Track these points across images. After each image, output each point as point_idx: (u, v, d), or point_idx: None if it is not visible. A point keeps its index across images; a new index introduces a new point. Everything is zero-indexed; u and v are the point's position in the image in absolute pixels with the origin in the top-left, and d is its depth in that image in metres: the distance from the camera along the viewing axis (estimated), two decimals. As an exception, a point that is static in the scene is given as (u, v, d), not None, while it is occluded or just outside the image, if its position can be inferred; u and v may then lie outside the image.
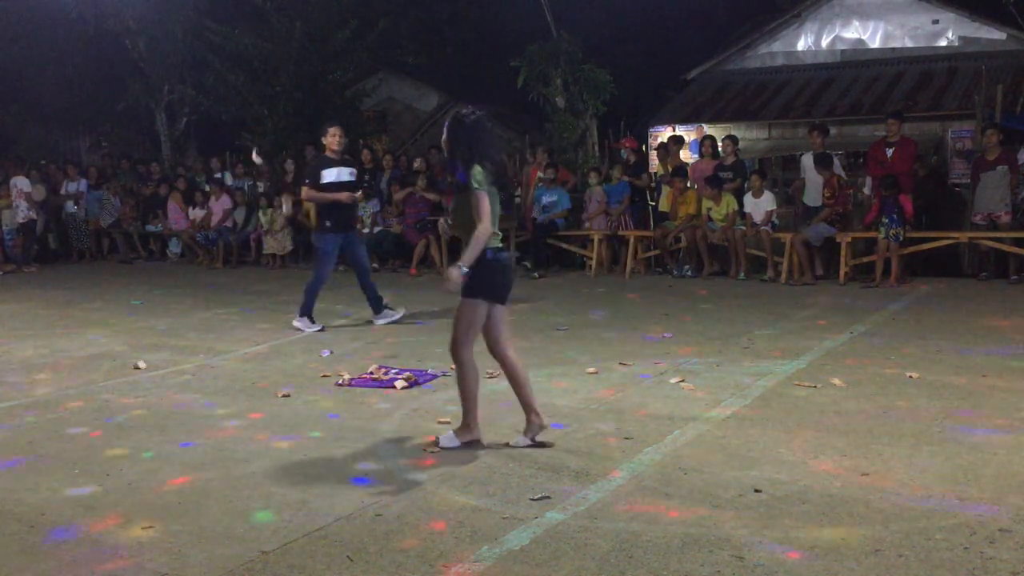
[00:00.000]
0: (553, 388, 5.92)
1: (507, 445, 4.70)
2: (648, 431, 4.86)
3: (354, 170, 8.60)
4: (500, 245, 4.68)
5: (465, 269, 4.49)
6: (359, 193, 8.72)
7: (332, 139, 8.32)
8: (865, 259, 10.42)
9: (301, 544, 3.54)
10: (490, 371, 6.40)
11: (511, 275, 4.81)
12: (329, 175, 8.30)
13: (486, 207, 4.55)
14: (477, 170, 4.58)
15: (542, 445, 4.65)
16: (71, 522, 3.85)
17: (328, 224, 8.32)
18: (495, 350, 4.75)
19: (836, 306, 8.76)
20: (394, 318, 8.57)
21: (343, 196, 8.31)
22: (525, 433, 4.72)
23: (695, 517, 3.66)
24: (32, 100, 19.76)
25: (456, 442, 4.70)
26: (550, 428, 4.84)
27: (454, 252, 12.38)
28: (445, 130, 4.75)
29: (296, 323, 8.31)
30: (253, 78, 16.91)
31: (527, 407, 4.73)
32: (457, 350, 4.66)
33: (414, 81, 20.97)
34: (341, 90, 17.78)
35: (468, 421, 4.74)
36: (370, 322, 8.64)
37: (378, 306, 8.62)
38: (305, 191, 8.58)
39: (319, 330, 8.24)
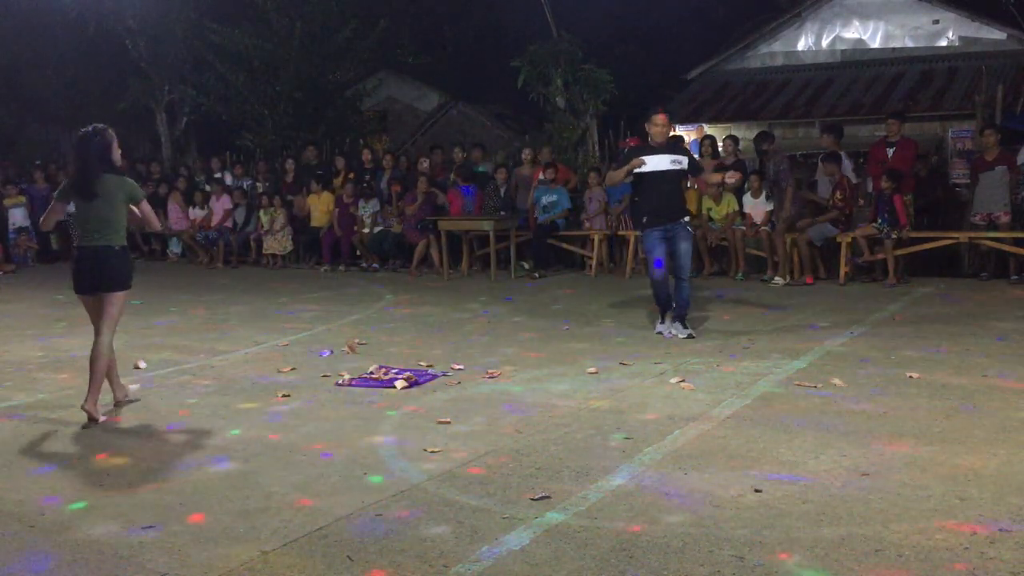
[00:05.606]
0: (553, 388, 5.92)
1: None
2: (648, 431, 4.86)
3: (678, 157, 7.55)
4: (84, 245, 5.49)
5: None
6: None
7: (651, 127, 7.57)
8: (865, 259, 10.40)
9: (301, 544, 3.54)
10: (491, 371, 6.41)
11: (81, 268, 5.52)
12: (649, 163, 7.45)
13: (49, 215, 5.73)
14: (65, 181, 5.68)
15: (132, 401, 5.77)
16: (71, 522, 3.85)
17: (644, 220, 7.50)
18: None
19: (836, 306, 8.76)
20: (662, 329, 7.71)
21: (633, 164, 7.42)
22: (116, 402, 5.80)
23: (695, 517, 3.66)
24: (32, 100, 19.76)
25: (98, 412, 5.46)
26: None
27: (455, 253, 12.47)
28: None
29: (659, 328, 7.73)
30: (253, 78, 16.91)
31: (112, 384, 5.76)
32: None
33: (414, 81, 21.00)
34: (341, 90, 17.80)
35: (111, 389, 5.75)
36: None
37: (669, 307, 7.70)
38: (608, 175, 8.04)
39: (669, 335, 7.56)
